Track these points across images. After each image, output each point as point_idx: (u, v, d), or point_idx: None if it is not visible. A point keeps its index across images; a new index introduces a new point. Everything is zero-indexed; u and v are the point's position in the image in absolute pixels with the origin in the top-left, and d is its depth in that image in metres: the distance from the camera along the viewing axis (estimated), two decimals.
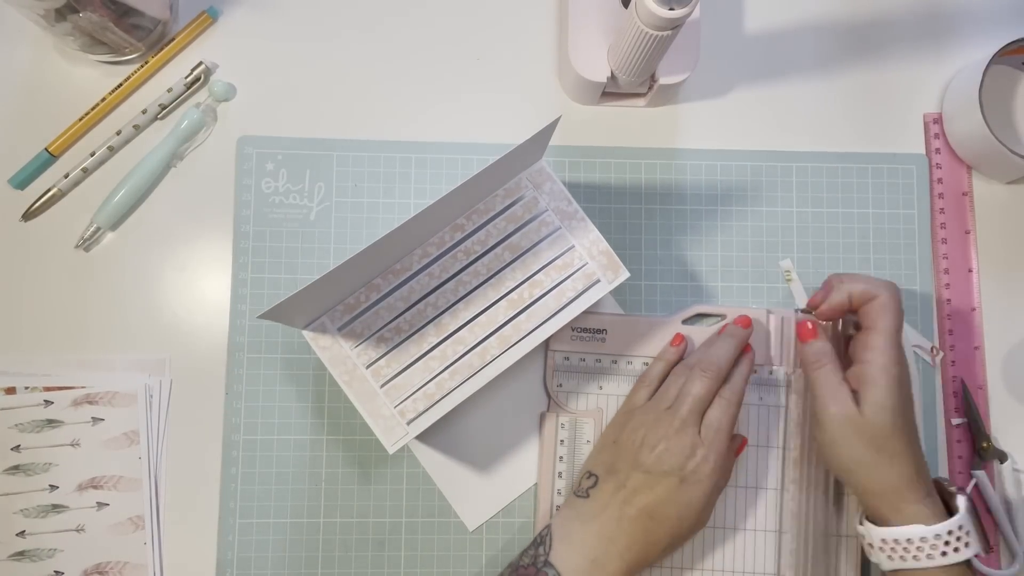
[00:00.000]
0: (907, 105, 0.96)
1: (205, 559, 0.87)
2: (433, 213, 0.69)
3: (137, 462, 0.87)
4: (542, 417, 0.89)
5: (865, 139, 0.95)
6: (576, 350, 0.88)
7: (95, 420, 0.87)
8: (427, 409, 0.77)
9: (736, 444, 0.84)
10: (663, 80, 0.88)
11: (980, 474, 0.89)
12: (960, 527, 0.74)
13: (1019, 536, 0.89)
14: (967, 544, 0.74)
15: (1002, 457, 0.90)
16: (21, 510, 0.87)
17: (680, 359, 0.86)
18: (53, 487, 0.87)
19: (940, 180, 0.94)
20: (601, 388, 0.88)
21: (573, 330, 0.88)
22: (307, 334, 0.77)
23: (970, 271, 0.93)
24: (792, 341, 0.89)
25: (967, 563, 0.74)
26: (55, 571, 0.86)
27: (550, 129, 0.70)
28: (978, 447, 0.90)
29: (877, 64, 0.97)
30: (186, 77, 0.91)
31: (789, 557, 0.86)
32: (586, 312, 0.80)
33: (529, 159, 0.77)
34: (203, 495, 0.88)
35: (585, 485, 0.80)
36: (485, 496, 0.89)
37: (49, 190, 0.89)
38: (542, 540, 0.79)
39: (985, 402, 0.91)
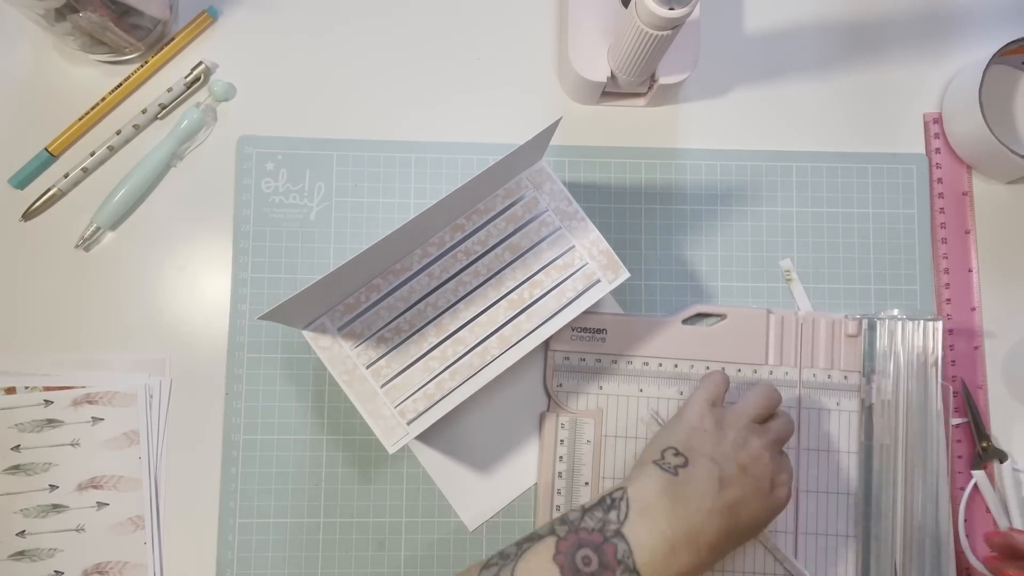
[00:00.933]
0: (907, 105, 0.96)
1: (205, 559, 0.87)
2: (433, 214, 0.69)
3: (137, 462, 0.87)
4: (542, 417, 0.88)
5: (865, 139, 0.95)
6: (576, 350, 0.88)
7: (95, 420, 0.87)
8: (427, 409, 0.77)
9: None
10: (663, 80, 0.88)
11: (980, 474, 0.89)
12: None
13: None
14: None
15: (1002, 457, 0.90)
16: (21, 510, 0.87)
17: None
18: (53, 487, 0.87)
19: (940, 180, 0.94)
20: (601, 388, 0.88)
21: (573, 330, 0.88)
22: (307, 334, 0.77)
23: (970, 271, 0.93)
24: (794, 340, 0.89)
25: None
26: (55, 571, 0.86)
27: (551, 130, 0.70)
28: (978, 447, 0.90)
29: (877, 64, 0.97)
30: (186, 77, 0.91)
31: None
32: (586, 312, 0.80)
33: (529, 159, 0.77)
34: (203, 495, 0.88)
35: (673, 462, 0.74)
36: (485, 496, 0.89)
37: (49, 190, 0.89)
38: (614, 504, 0.72)
39: (985, 402, 0.91)
